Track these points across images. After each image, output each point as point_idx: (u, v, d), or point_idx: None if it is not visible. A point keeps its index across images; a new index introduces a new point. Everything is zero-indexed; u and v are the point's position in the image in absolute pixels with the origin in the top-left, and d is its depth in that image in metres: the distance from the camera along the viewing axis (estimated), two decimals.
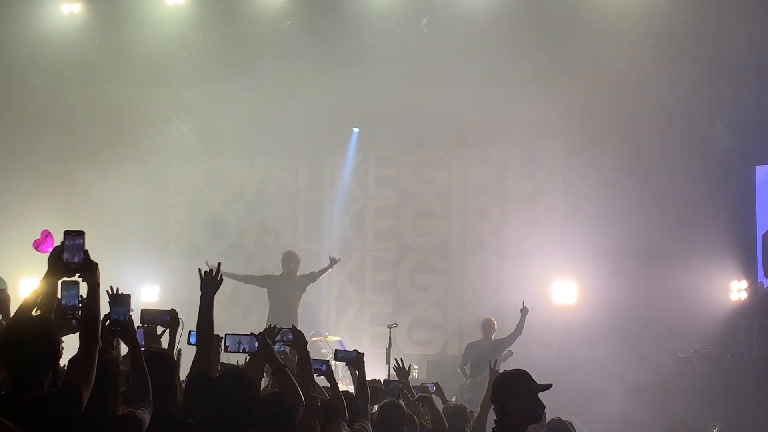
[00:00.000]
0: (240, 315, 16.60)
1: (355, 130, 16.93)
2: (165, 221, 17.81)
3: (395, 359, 7.66)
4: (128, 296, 4.43)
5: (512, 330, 12.60)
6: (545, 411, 4.68)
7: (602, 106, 14.61)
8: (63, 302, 4.20)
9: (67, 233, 3.76)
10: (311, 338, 14.78)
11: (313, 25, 15.18)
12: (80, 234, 3.78)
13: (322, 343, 14.69)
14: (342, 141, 16.94)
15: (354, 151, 17.04)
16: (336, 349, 6.67)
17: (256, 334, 5.38)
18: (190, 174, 17.89)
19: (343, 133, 16.88)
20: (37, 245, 5.27)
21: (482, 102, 15.14)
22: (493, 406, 4.65)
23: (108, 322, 4.26)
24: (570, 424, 6.48)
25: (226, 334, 5.35)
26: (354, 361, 6.45)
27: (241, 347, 5.34)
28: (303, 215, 17.48)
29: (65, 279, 4.02)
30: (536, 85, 14.68)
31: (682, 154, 14.02)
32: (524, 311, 12.44)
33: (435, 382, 8.02)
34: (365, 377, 6.39)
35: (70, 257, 3.75)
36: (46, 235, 4.81)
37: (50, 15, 15.79)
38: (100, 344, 3.80)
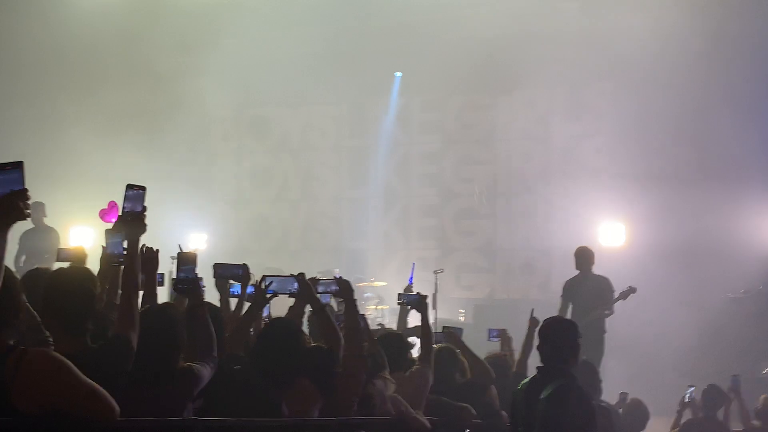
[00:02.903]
0: (288, 261, 16.75)
1: (398, 74, 16.80)
2: (210, 169, 17.94)
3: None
4: (194, 255, 4.51)
5: (576, 273, 10.47)
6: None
7: (651, 45, 14.19)
8: (108, 250, 4.28)
9: (129, 186, 3.82)
10: (355, 284, 14.87)
11: None
12: (141, 188, 3.84)
13: (366, 288, 14.79)
14: (385, 86, 16.83)
15: (397, 96, 16.93)
16: (399, 293, 6.57)
17: (296, 275, 5.36)
18: (234, 122, 17.96)
19: (386, 79, 16.76)
20: (103, 215, 5.36)
21: (528, 42, 14.83)
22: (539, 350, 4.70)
23: (174, 279, 4.36)
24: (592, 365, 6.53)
25: (264, 276, 5.37)
26: (417, 303, 6.40)
27: (287, 288, 5.36)
28: (347, 162, 17.49)
29: (108, 228, 4.08)
30: (584, 23, 14.37)
31: (732, 92, 13.67)
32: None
33: (503, 329, 7.84)
34: (429, 321, 6.32)
35: (130, 208, 3.82)
36: (113, 206, 4.89)
37: None
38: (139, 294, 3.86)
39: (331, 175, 17.53)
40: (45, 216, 11.80)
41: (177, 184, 16.57)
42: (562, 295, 10.27)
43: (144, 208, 3.85)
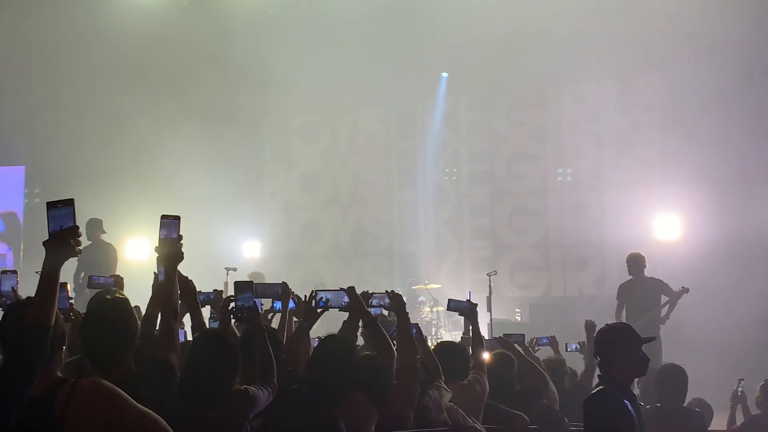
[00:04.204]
0: (341, 267, 16.84)
1: (444, 75, 16.75)
2: (260, 176, 18.07)
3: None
4: (251, 283, 4.61)
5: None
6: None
7: (702, 29, 13.86)
8: (160, 278, 4.36)
9: (163, 216, 3.92)
10: (410, 287, 14.88)
11: None
12: (176, 217, 3.94)
13: (420, 291, 14.78)
14: (431, 87, 16.79)
15: (444, 96, 16.88)
16: (449, 299, 6.48)
17: (346, 288, 5.39)
18: (282, 129, 18.07)
19: (432, 79, 16.72)
20: None
21: (574, 37, 14.62)
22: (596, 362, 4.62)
23: (232, 307, 4.45)
24: (683, 369, 6.22)
25: (314, 291, 5.41)
26: (466, 311, 6.29)
27: (341, 301, 5.38)
28: (396, 164, 17.48)
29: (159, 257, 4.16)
30: (627, 13, 14.14)
31: None
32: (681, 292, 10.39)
33: (552, 335, 7.84)
34: (479, 328, 6.24)
35: (166, 235, 3.89)
36: None
37: None
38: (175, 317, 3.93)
39: (381, 178, 17.54)
40: (104, 232, 12.00)
41: (229, 195, 16.73)
42: (617, 298, 10.62)
43: (180, 237, 3.92)
